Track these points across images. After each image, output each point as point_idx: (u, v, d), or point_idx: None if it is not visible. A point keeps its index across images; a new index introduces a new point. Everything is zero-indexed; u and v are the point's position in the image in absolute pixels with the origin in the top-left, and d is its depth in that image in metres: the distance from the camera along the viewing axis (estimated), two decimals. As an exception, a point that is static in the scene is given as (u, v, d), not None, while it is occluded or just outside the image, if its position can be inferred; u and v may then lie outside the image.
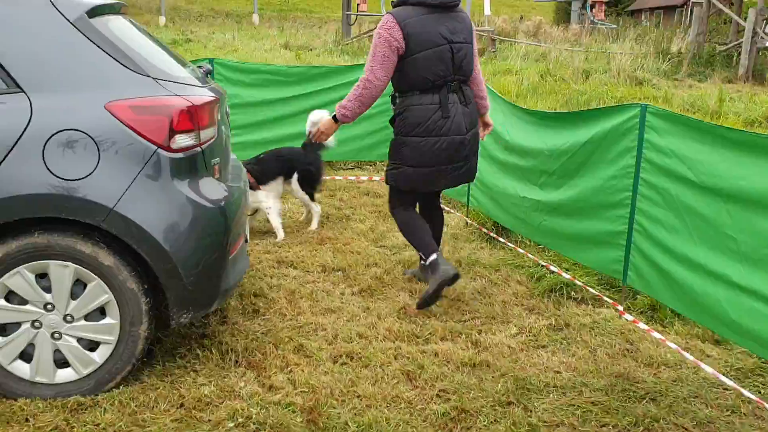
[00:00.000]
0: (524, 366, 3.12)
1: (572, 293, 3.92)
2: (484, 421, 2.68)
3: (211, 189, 2.90)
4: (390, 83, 3.71)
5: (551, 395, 2.87)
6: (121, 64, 2.74)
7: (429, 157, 3.62)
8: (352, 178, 6.79)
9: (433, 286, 3.61)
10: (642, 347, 3.30)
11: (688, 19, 32.33)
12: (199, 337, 3.27)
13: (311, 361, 3.09)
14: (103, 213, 2.60)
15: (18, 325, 2.67)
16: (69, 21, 2.71)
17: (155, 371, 2.95)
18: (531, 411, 2.75)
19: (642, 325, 3.53)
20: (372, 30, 24.54)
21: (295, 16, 45.06)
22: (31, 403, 2.66)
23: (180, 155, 2.75)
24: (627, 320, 3.59)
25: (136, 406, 2.69)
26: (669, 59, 15.45)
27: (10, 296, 2.65)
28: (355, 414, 2.69)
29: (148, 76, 2.78)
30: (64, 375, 2.73)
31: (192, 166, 2.82)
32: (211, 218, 2.85)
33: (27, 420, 2.57)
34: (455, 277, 3.66)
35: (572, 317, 3.61)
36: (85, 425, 2.54)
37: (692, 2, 30.89)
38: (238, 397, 2.78)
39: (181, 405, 2.71)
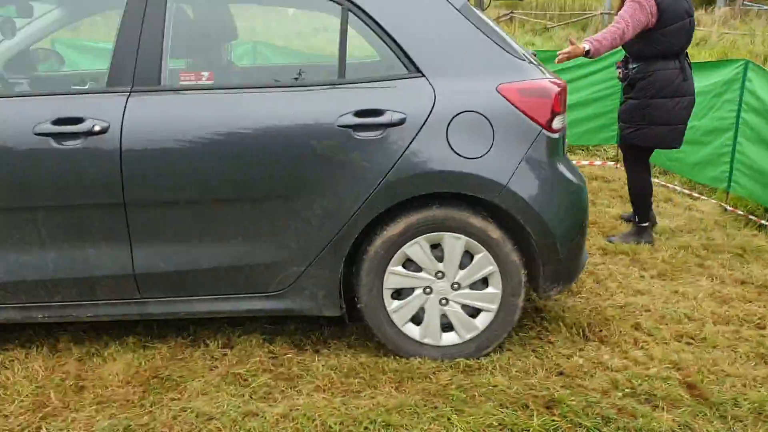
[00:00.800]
0: None
1: None
2: None
3: (573, 168, 3.05)
4: (623, 50, 4.30)
5: None
6: (502, 48, 2.89)
7: (673, 115, 4.14)
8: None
9: (635, 241, 4.39)
10: None
11: None
12: (533, 311, 3.42)
13: (656, 339, 3.16)
14: (497, 189, 2.77)
15: (412, 290, 2.91)
16: (456, 8, 2.89)
17: (513, 340, 3.11)
18: None
19: None
20: (510, 12, 24.49)
21: None
22: (423, 362, 2.90)
23: (556, 135, 2.88)
24: None
25: (516, 371, 2.85)
26: None
27: (407, 264, 2.88)
28: (736, 392, 2.73)
29: (524, 59, 2.93)
30: (448, 338, 2.94)
31: (561, 146, 2.97)
32: (579, 195, 2.99)
33: (427, 378, 2.80)
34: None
35: None
36: (482, 386, 2.72)
37: None
38: (608, 369, 2.89)
39: (560, 373, 2.86)
